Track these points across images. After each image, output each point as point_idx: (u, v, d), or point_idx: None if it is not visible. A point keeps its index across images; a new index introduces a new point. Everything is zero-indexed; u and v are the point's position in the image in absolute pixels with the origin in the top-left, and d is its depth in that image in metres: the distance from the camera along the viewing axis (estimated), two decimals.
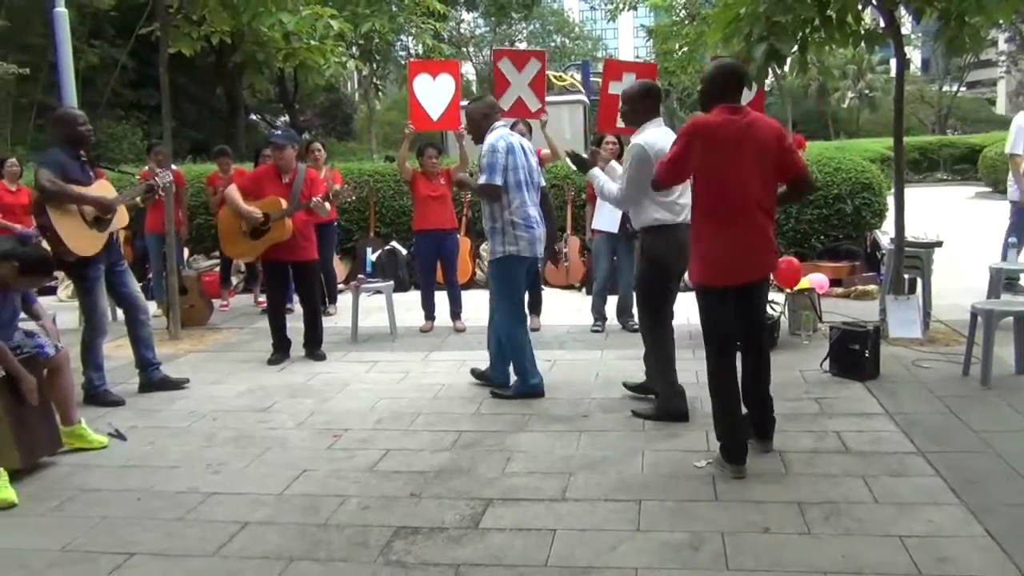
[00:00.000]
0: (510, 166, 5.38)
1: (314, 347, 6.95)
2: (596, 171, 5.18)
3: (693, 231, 4.31)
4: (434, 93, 7.79)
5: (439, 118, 7.83)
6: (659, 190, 4.54)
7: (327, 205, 6.81)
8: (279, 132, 7.26)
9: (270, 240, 6.68)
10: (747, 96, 7.02)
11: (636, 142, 4.83)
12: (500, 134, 5.49)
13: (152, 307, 8.98)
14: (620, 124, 7.40)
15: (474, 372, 6.05)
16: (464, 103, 8.16)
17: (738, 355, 4.40)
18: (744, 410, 4.37)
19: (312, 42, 8.85)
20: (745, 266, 4.24)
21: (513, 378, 5.72)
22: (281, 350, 6.92)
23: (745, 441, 4.25)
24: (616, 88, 7.49)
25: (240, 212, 6.68)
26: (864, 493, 3.88)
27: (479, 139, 5.57)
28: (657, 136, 4.83)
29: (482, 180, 5.39)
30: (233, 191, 6.81)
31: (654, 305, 5.12)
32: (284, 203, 6.67)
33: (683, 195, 4.83)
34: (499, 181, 5.34)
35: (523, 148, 5.57)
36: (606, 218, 7.44)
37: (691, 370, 6.10)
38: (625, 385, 5.60)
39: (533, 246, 5.49)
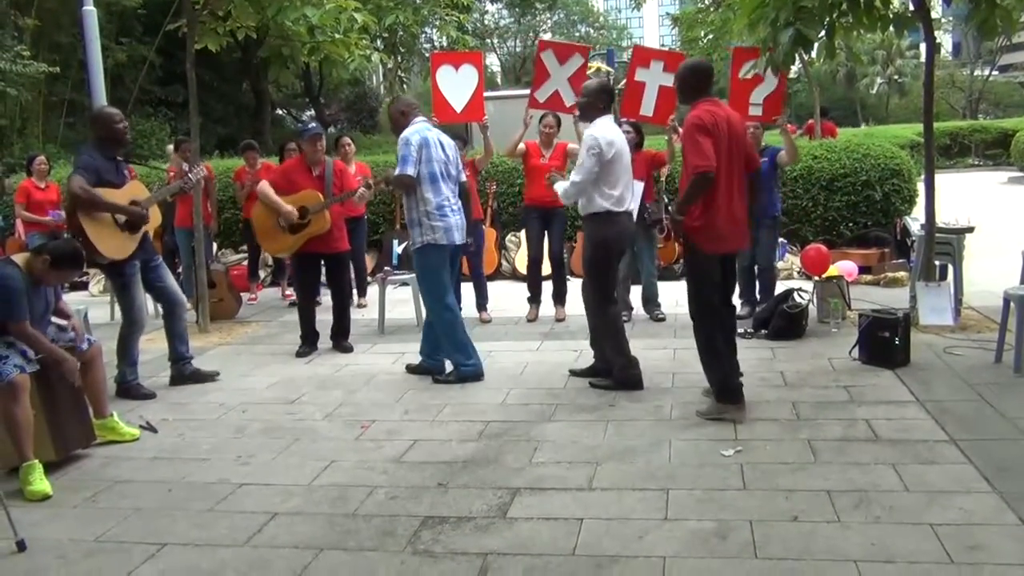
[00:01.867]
0: (424, 159, 5.65)
1: (342, 338, 6.99)
2: (557, 184, 5.65)
3: (694, 209, 4.76)
4: (457, 84, 7.77)
5: (463, 109, 7.82)
6: (705, 179, 4.64)
7: (367, 193, 6.73)
8: (312, 125, 7.29)
9: (309, 234, 6.72)
10: (770, 83, 7.02)
11: (591, 134, 5.29)
12: (416, 128, 5.75)
13: None
14: (644, 112, 7.39)
15: (409, 368, 6.15)
16: (488, 94, 8.17)
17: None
18: None
19: (336, 36, 8.87)
20: (732, 238, 4.90)
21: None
22: (309, 342, 6.97)
23: (740, 385, 4.87)
24: (643, 75, 7.45)
25: (278, 210, 6.69)
26: (894, 481, 3.85)
27: (398, 134, 5.86)
28: (608, 129, 5.37)
29: (396, 172, 5.73)
30: (266, 187, 6.81)
31: (602, 286, 5.53)
32: (320, 196, 6.69)
33: (625, 188, 5.42)
34: (412, 172, 5.63)
35: (440, 142, 5.83)
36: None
37: None
38: (572, 372, 5.82)
39: (450, 233, 5.76)
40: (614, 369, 5.51)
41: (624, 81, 8.46)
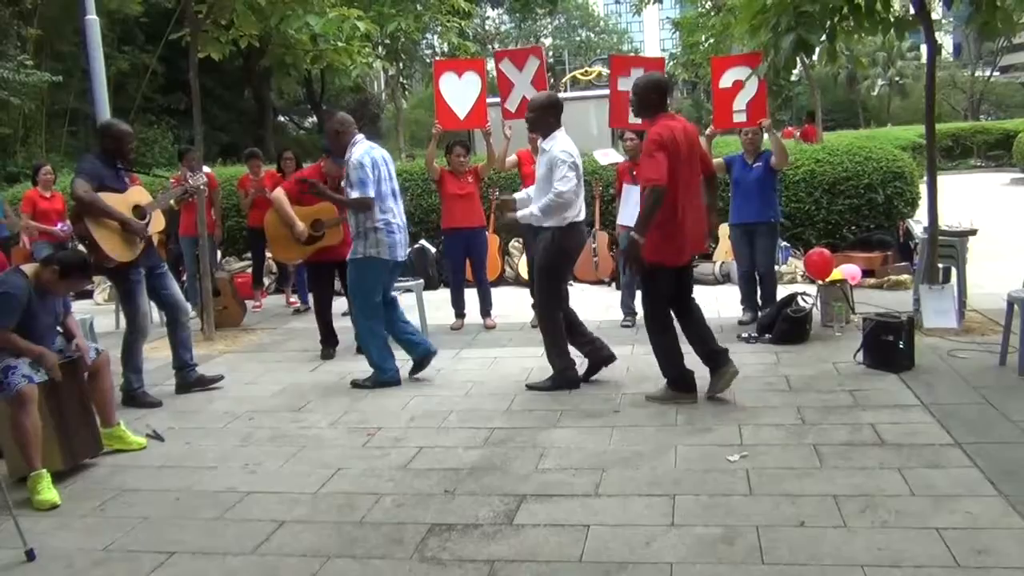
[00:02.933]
0: (374, 179, 5.83)
1: None
2: (522, 212, 5.81)
3: (657, 220, 4.95)
4: (460, 92, 7.79)
5: (466, 116, 7.84)
6: (656, 193, 4.89)
7: None
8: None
9: (320, 246, 6.81)
10: (750, 90, 7.06)
11: (563, 150, 5.50)
12: (364, 149, 5.88)
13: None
14: (632, 120, 7.42)
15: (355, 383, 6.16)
16: (491, 101, 8.18)
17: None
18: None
19: (339, 43, 8.90)
20: (691, 246, 5.26)
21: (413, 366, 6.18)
22: (329, 344, 7.06)
23: (692, 374, 5.29)
24: (625, 84, 7.47)
25: (290, 224, 6.77)
26: (900, 485, 3.85)
27: (340, 153, 6.02)
28: (572, 144, 5.61)
29: (355, 194, 5.80)
30: (281, 196, 6.86)
31: (555, 291, 5.75)
32: (337, 211, 6.72)
33: (582, 199, 5.69)
34: (372, 193, 5.79)
35: (384, 160, 6.01)
36: (630, 214, 7.42)
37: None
38: (529, 386, 5.82)
39: (393, 249, 5.95)
40: (555, 369, 5.76)
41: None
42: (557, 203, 5.49)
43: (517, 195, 6.18)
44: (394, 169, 6.18)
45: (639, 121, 7.40)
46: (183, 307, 6.13)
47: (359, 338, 6.30)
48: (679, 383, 5.31)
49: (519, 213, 5.86)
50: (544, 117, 5.65)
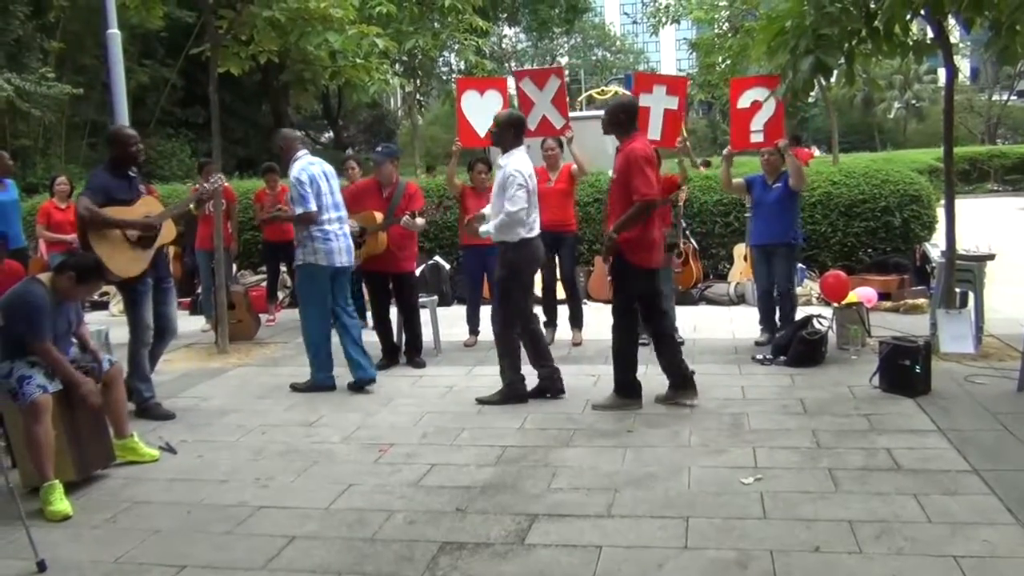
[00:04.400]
0: (314, 192, 6.14)
1: (415, 354, 7.18)
2: (482, 228, 6.02)
3: (642, 230, 5.46)
4: (481, 110, 7.81)
5: (486, 134, 7.86)
6: (650, 207, 5.43)
7: (418, 221, 6.95)
8: (380, 148, 7.45)
9: (364, 253, 6.88)
10: (768, 111, 7.05)
11: (515, 169, 5.70)
12: (302, 166, 6.20)
13: (201, 322, 9.15)
14: (651, 136, 7.43)
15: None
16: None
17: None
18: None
19: (358, 60, 8.95)
20: (660, 253, 5.73)
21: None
22: (389, 355, 7.20)
23: (639, 382, 5.66)
24: (647, 100, 7.47)
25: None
26: (917, 512, 3.81)
27: (284, 166, 6.37)
28: (525, 162, 5.80)
29: (298, 210, 6.16)
30: None
31: (512, 308, 5.91)
32: (379, 217, 6.83)
33: (537, 215, 5.90)
34: (313, 207, 6.14)
35: (324, 174, 6.31)
36: None
37: (736, 385, 6.09)
38: (479, 400, 5.97)
39: (331, 256, 6.25)
40: (504, 382, 5.96)
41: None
42: (508, 222, 5.72)
43: (484, 210, 6.28)
44: (336, 183, 6.47)
45: (659, 138, 7.45)
46: (172, 328, 6.13)
47: (305, 340, 6.53)
48: (627, 389, 5.64)
49: (480, 229, 6.06)
50: (505, 134, 5.86)
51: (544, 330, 7.84)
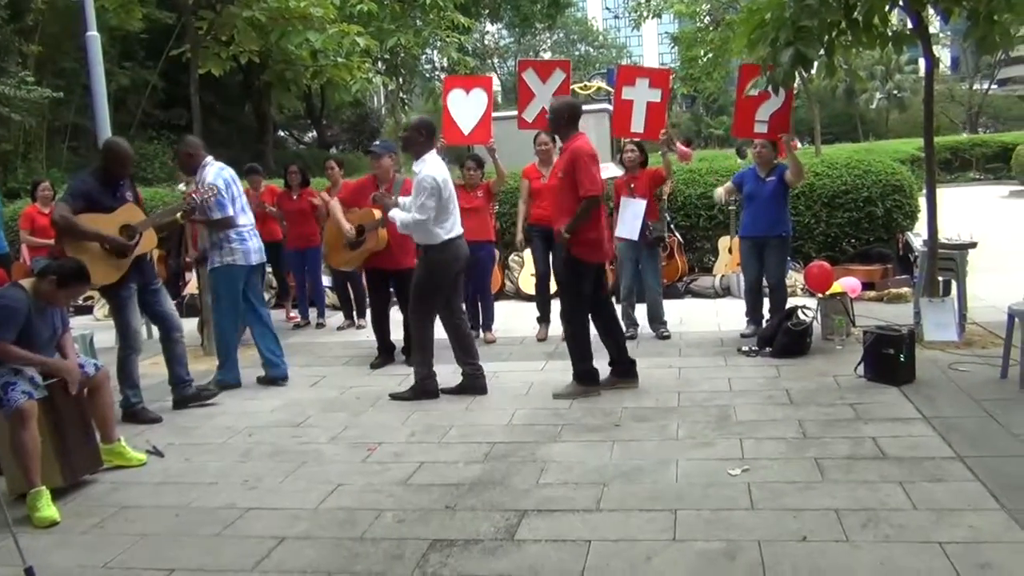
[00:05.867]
0: (230, 197, 6.31)
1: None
2: (393, 212, 6.05)
3: (588, 226, 5.67)
4: (467, 108, 7.83)
5: (470, 132, 7.87)
6: (595, 202, 5.67)
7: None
8: (377, 143, 7.48)
9: (366, 251, 6.91)
10: (776, 102, 7.03)
11: (428, 174, 5.77)
12: (216, 172, 6.31)
13: (192, 323, 9.10)
14: (635, 129, 7.44)
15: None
16: (496, 115, 8.20)
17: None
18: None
19: (339, 59, 8.94)
20: (606, 248, 5.96)
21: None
22: (385, 353, 7.22)
23: (596, 370, 5.89)
24: (630, 93, 7.51)
25: (339, 227, 7.00)
26: (902, 499, 3.84)
27: (191, 173, 6.51)
28: (440, 167, 5.90)
29: (217, 215, 6.30)
30: (335, 205, 7.17)
31: (428, 307, 6.04)
32: (378, 214, 6.85)
33: (456, 217, 5.99)
34: (231, 213, 6.34)
35: (233, 179, 6.49)
36: (627, 226, 7.44)
37: (723, 377, 6.12)
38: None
39: (248, 255, 6.45)
40: (416, 378, 6.08)
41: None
42: (413, 225, 5.85)
43: (401, 199, 6.31)
44: (240, 186, 6.64)
45: (642, 131, 7.47)
46: (176, 324, 6.13)
47: (218, 340, 6.67)
48: (585, 377, 5.86)
49: (391, 212, 6.11)
50: (415, 138, 5.96)
51: (539, 325, 7.88)
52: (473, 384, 6.08)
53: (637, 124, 7.46)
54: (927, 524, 3.58)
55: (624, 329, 7.60)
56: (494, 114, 8.22)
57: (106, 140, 6.22)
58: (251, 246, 6.49)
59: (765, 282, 7.26)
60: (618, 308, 7.98)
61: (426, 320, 6.07)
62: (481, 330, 7.92)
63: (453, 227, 5.96)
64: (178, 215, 6.15)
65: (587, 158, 5.64)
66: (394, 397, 6.05)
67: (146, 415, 5.82)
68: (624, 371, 6.02)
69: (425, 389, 6.02)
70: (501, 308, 8.67)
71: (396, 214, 6.01)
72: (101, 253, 5.59)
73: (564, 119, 5.85)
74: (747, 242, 7.27)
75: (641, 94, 7.47)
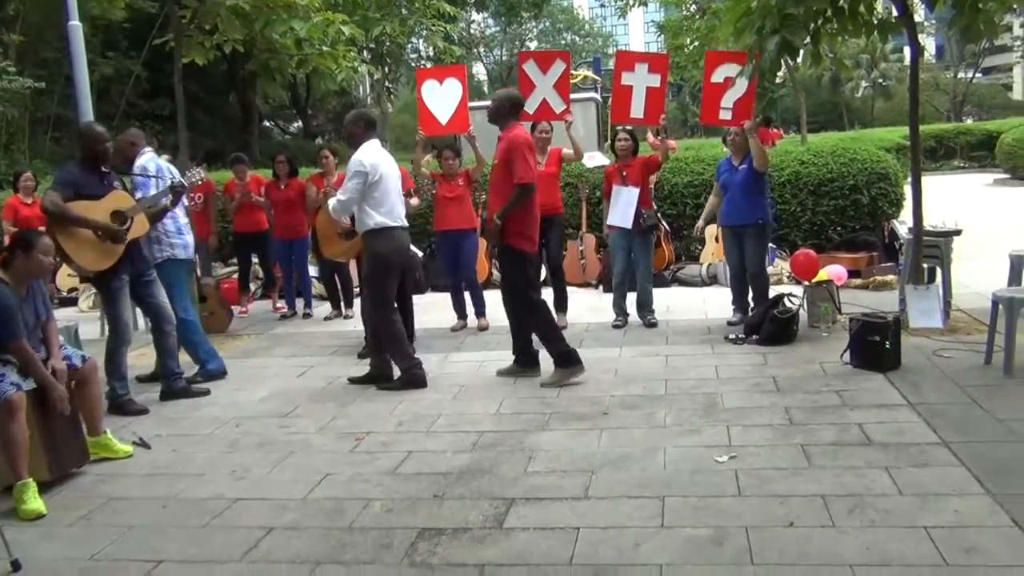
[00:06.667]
0: (161, 187, 6.15)
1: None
2: (331, 201, 6.11)
3: (519, 216, 5.79)
4: (442, 98, 7.79)
5: (447, 122, 7.84)
6: (530, 190, 5.78)
7: (412, 201, 7.07)
8: None
9: (360, 241, 6.80)
10: (739, 89, 7.06)
11: (357, 158, 5.88)
12: (148, 158, 6.32)
13: None
14: (635, 115, 7.44)
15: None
16: (473, 105, 8.17)
17: None
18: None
19: (324, 48, 8.89)
20: (536, 239, 6.03)
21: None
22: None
23: (574, 349, 5.95)
24: (629, 79, 7.50)
25: (333, 218, 6.92)
26: (888, 485, 3.87)
27: (128, 162, 6.38)
28: (372, 153, 5.94)
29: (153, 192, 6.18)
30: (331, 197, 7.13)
31: (382, 297, 6.05)
32: None
33: (393, 205, 6.02)
34: (165, 203, 6.19)
35: (169, 169, 6.47)
36: (620, 214, 7.44)
37: (710, 365, 6.14)
38: (350, 380, 6.23)
39: (188, 249, 6.53)
40: (401, 371, 6.09)
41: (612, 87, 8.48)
42: (340, 206, 5.96)
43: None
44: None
45: (642, 116, 7.48)
46: (168, 316, 6.09)
47: (187, 337, 6.48)
48: (566, 359, 5.89)
49: (329, 200, 6.21)
50: (354, 130, 6.09)
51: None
52: (412, 378, 6.04)
53: (637, 109, 7.46)
54: (912, 509, 3.61)
55: (614, 318, 7.64)
56: (473, 104, 8.20)
57: (81, 127, 6.18)
58: (188, 240, 6.53)
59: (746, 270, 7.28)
60: (605, 298, 8.02)
61: (386, 313, 6.08)
62: (476, 317, 7.93)
63: (390, 215, 6.00)
64: (165, 201, 6.10)
65: (523, 146, 5.76)
66: (379, 387, 6.04)
67: (132, 407, 5.79)
68: (531, 362, 6.17)
69: (413, 377, 6.01)
70: (487, 297, 8.65)
71: (332, 201, 6.09)
72: (93, 239, 5.55)
73: (506, 109, 5.95)
74: (727, 231, 7.31)
75: (640, 79, 7.47)
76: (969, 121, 40.19)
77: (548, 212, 7.37)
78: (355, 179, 5.85)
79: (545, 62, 7.77)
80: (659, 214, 9.82)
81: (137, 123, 22.80)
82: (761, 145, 7.26)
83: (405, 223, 6.18)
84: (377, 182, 5.91)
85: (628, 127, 7.71)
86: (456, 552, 3.49)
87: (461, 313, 7.94)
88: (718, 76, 7.22)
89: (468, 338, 7.59)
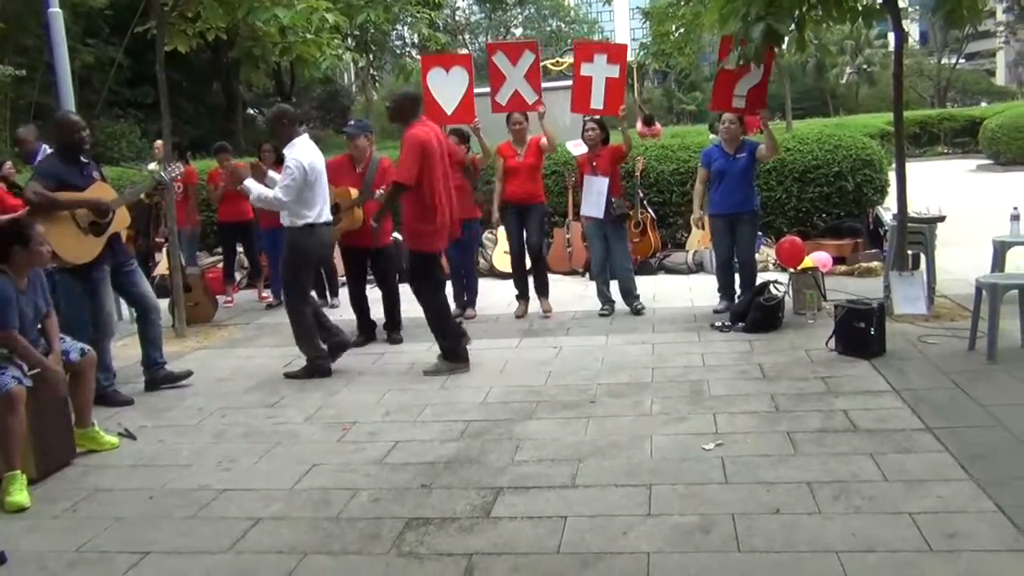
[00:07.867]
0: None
1: (393, 331, 7.15)
2: (248, 183, 6.06)
3: (416, 216, 5.90)
4: (448, 87, 7.73)
5: (453, 111, 7.78)
6: (406, 192, 5.83)
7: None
8: (352, 122, 7.39)
9: (341, 229, 6.84)
10: (754, 77, 7.01)
11: (294, 158, 5.85)
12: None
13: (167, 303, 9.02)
14: (594, 106, 7.43)
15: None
16: (478, 91, 8.13)
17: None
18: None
19: (308, 36, 8.82)
20: (447, 236, 6.11)
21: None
22: (365, 332, 7.18)
23: (464, 347, 6.13)
24: (588, 70, 7.49)
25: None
26: (873, 471, 3.90)
27: (30, 161, 6.42)
28: (308, 152, 5.95)
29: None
30: None
31: (300, 288, 6.18)
32: (354, 192, 6.83)
33: (323, 204, 6.07)
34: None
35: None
36: (592, 204, 7.45)
37: (696, 353, 6.16)
38: (286, 375, 6.25)
39: None
40: (307, 361, 6.21)
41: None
42: (275, 203, 5.94)
43: (271, 173, 6.41)
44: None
45: (601, 107, 7.47)
46: (153, 305, 6.05)
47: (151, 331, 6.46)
48: (453, 354, 6.07)
49: (245, 182, 6.08)
50: (278, 127, 6.08)
51: (517, 303, 7.87)
52: (337, 342, 6.27)
53: (596, 100, 7.45)
54: (897, 495, 3.63)
55: (600, 307, 7.64)
56: (475, 90, 8.14)
57: (56, 117, 6.09)
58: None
59: (736, 258, 7.28)
60: (591, 286, 8.03)
61: (301, 305, 6.16)
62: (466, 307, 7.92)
63: (321, 213, 6.04)
64: (142, 196, 6.06)
65: (415, 146, 5.75)
66: (289, 376, 6.19)
67: (117, 397, 5.76)
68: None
69: (318, 368, 6.15)
70: (482, 285, 8.64)
71: (251, 185, 6.04)
72: (76, 232, 5.51)
73: (407, 108, 5.99)
74: (719, 220, 7.25)
75: (599, 70, 7.44)
76: (953, 107, 40.34)
77: (529, 201, 7.46)
78: (293, 182, 5.83)
79: (514, 53, 7.74)
80: (644, 201, 9.85)
81: (120, 111, 22.77)
82: (773, 134, 7.26)
83: (330, 218, 6.21)
84: (313, 182, 5.93)
85: (597, 118, 7.66)
86: (444, 541, 3.50)
87: (459, 303, 7.92)
88: (731, 62, 7.10)
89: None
